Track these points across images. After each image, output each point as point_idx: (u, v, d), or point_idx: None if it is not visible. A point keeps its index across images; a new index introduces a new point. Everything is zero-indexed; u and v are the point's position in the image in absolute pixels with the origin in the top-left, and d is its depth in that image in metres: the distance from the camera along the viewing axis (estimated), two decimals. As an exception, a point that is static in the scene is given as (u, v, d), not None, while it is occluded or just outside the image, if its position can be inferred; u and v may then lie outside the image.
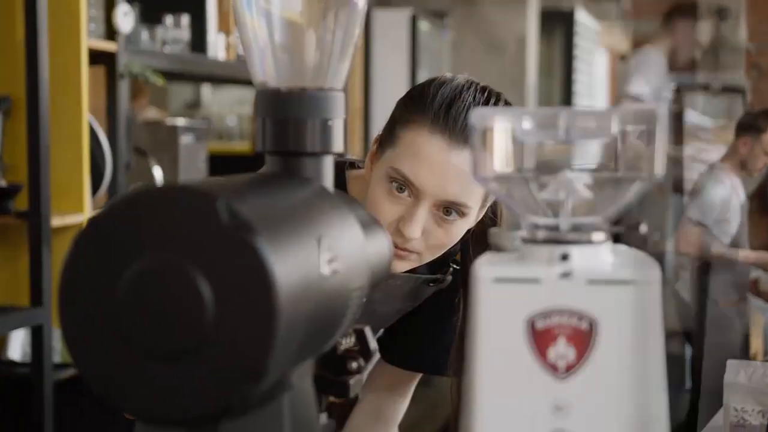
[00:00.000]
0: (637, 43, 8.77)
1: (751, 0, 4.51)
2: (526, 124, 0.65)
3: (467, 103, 1.23)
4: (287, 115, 0.73)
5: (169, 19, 3.20)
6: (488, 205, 1.31)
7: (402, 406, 1.56)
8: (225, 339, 0.57)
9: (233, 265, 0.57)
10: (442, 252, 1.30)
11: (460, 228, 1.27)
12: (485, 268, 0.64)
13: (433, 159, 1.21)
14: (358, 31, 0.77)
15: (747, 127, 4.23)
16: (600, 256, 0.65)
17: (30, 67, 2.41)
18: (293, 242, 0.61)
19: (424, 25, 5.30)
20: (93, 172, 2.68)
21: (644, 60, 4.47)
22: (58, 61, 2.54)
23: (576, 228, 0.66)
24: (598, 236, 0.66)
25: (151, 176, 3.05)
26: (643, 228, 0.67)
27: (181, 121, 3.40)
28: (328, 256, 0.65)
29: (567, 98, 7.66)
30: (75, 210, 2.60)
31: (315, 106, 0.73)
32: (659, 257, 4.71)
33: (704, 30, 4.63)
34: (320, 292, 0.63)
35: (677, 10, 4.58)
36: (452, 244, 1.29)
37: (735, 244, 4.47)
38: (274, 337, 0.57)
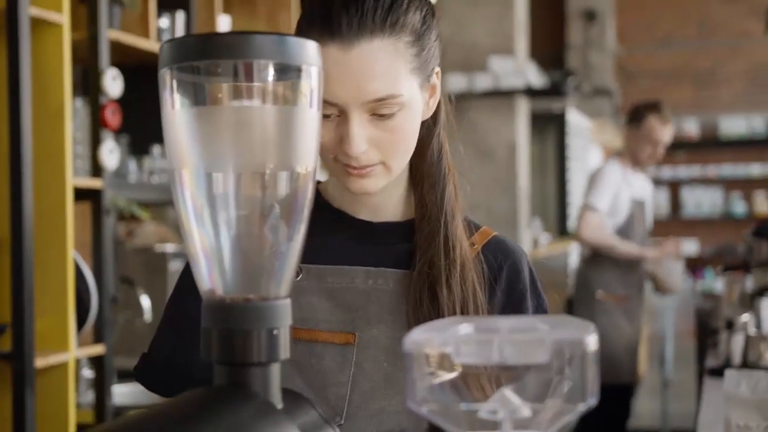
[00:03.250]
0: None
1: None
2: (463, 348, 0.65)
3: None
4: (232, 326, 0.73)
5: (156, 149, 3.23)
6: (433, 80, 1.24)
7: None
8: None
9: None
10: (409, 153, 1.23)
11: (405, 119, 1.20)
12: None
13: (333, 69, 1.14)
14: (301, 235, 0.77)
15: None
16: (541, 479, 0.65)
17: (14, 207, 2.43)
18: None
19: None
20: (78, 308, 2.67)
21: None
22: (43, 200, 2.56)
23: (516, 448, 0.65)
24: (539, 457, 0.65)
25: (139, 307, 3.04)
26: None
27: (170, 247, 3.41)
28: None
29: (561, 197, 7.70)
30: (60, 349, 2.58)
31: (260, 316, 0.74)
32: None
33: (662, 130, 4.52)
34: None
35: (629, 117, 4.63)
36: (412, 141, 1.22)
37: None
38: None
